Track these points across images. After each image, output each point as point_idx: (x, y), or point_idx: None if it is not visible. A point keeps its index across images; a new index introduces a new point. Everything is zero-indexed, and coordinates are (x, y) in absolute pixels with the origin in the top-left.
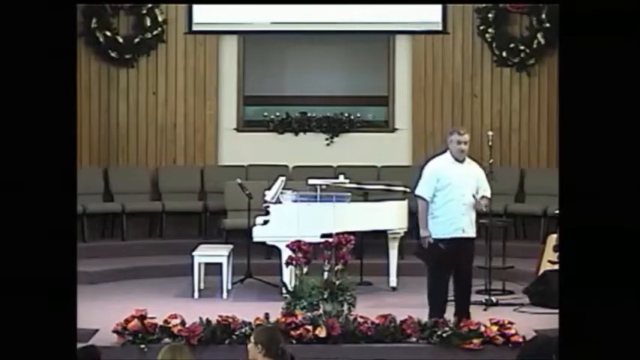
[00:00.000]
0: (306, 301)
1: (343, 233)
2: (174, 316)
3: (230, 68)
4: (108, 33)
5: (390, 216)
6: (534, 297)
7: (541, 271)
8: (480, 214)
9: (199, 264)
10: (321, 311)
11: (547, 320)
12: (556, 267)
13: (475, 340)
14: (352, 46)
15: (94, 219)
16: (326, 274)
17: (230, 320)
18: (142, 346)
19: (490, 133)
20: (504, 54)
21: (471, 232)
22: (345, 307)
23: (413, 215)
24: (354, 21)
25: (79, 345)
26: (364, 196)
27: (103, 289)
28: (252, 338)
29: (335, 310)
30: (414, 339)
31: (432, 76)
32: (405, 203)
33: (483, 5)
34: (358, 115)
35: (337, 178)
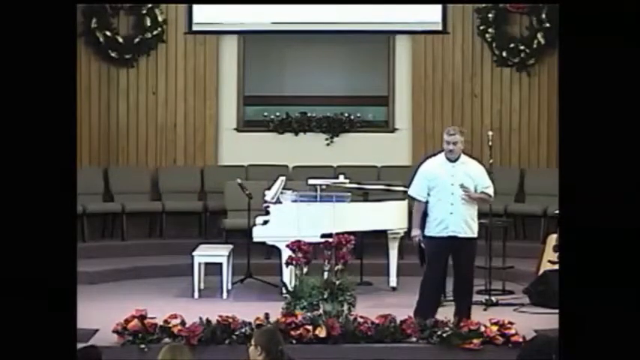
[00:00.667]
0: (306, 301)
1: (343, 233)
2: (174, 316)
3: (230, 68)
4: (108, 33)
5: (390, 216)
6: (534, 297)
7: (541, 271)
8: (479, 214)
9: (199, 264)
10: (321, 311)
11: (547, 320)
12: (556, 267)
13: (475, 340)
14: (352, 46)
15: (94, 219)
16: (326, 274)
17: (230, 320)
18: (142, 346)
19: (490, 133)
20: (504, 54)
21: (462, 232)
22: (345, 307)
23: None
24: (354, 21)
25: (79, 345)
26: (364, 196)
27: (103, 289)
28: (252, 341)
29: (335, 310)
30: (414, 339)
31: (432, 76)
32: (405, 203)
33: (483, 5)
34: (358, 115)
35: (337, 178)
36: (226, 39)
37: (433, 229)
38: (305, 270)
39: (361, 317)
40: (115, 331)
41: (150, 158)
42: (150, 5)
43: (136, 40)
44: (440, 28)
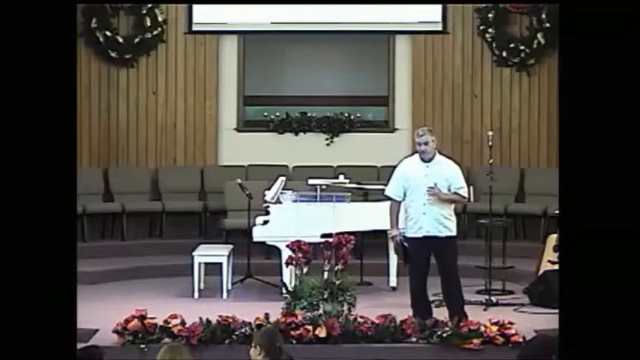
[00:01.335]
0: (306, 301)
1: (343, 233)
2: (174, 316)
3: (230, 68)
4: (108, 33)
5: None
6: (534, 297)
7: (541, 271)
8: (479, 214)
9: (199, 264)
10: (321, 311)
11: (547, 320)
12: (556, 267)
13: (475, 340)
14: (352, 46)
15: (94, 219)
16: (326, 274)
17: (230, 320)
18: (142, 346)
19: (490, 133)
20: (504, 54)
21: (436, 232)
22: (345, 307)
23: None
24: (354, 21)
25: (80, 345)
26: (364, 196)
27: (103, 289)
28: (253, 341)
29: (335, 310)
30: (414, 339)
31: (432, 76)
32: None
33: (483, 5)
34: (358, 115)
35: (337, 178)
36: (226, 39)
37: (410, 230)
38: (305, 270)
39: (361, 317)
40: (115, 331)
41: (150, 158)
42: (150, 5)
43: (136, 40)
44: (440, 28)
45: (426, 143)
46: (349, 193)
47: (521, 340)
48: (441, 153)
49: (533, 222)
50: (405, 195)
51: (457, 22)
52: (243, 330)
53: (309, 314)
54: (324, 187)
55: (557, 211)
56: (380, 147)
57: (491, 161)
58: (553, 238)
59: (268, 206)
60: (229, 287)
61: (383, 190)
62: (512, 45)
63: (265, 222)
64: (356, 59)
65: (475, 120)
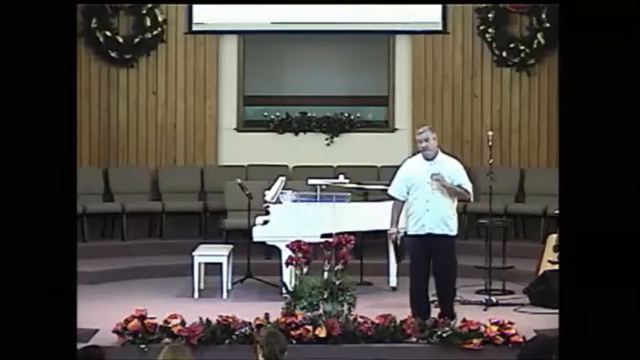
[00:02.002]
0: (306, 301)
1: (343, 233)
2: (174, 316)
3: (230, 68)
4: (108, 33)
5: (389, 216)
6: (534, 297)
7: (541, 271)
8: (479, 214)
9: (199, 264)
10: (321, 311)
11: (547, 320)
12: (556, 267)
13: (475, 340)
14: (352, 46)
15: (94, 219)
16: (326, 274)
17: (230, 320)
18: (142, 346)
19: (490, 133)
20: (504, 54)
21: (438, 230)
22: (345, 307)
23: None
24: (354, 21)
25: (80, 345)
26: (364, 196)
27: (103, 289)
28: (256, 342)
29: (335, 310)
30: (414, 339)
31: (432, 76)
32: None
33: (483, 5)
34: (358, 115)
35: (337, 178)
36: (226, 39)
37: (412, 227)
38: (305, 270)
39: (361, 317)
40: (115, 331)
41: (150, 158)
42: (150, 5)
43: (136, 40)
44: (440, 28)
45: (426, 140)
46: (349, 193)
47: (521, 340)
48: (443, 151)
49: (533, 222)
50: (408, 194)
51: (457, 22)
52: (243, 330)
53: (309, 314)
54: (324, 187)
55: (557, 211)
56: (380, 147)
57: (491, 161)
58: (553, 238)
59: (268, 206)
60: (229, 287)
61: (383, 190)
62: (512, 45)
63: (265, 222)
64: (356, 59)
65: (475, 120)
